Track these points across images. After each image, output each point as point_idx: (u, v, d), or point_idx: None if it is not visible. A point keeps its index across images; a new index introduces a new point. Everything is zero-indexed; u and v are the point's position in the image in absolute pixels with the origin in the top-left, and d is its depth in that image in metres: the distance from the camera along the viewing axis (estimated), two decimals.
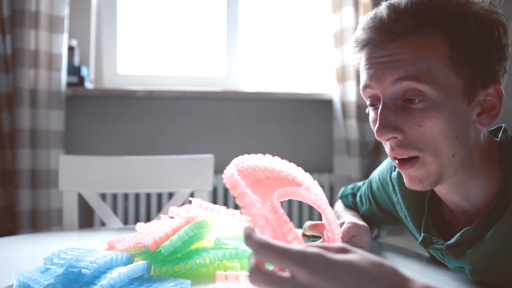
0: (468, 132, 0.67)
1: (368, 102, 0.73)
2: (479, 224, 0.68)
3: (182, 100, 2.23)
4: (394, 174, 0.87)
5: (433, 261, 0.85)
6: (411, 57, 0.65)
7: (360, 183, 1.08)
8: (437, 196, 0.79)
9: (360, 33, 0.70)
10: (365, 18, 0.71)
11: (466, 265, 0.71)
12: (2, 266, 0.83)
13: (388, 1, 0.69)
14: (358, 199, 1.04)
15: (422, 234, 0.78)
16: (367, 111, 0.80)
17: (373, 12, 0.70)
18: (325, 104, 2.29)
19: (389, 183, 0.90)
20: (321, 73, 2.36)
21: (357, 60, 0.74)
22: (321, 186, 2.18)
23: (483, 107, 0.68)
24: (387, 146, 0.71)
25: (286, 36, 2.38)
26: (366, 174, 2.19)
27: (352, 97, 2.15)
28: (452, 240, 0.72)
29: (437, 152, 0.66)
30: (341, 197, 1.11)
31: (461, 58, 0.65)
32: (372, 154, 2.21)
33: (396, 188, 0.86)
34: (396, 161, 0.70)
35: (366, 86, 0.70)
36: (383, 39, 0.67)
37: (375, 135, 0.68)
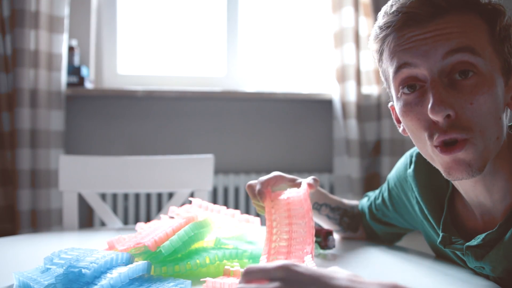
0: (504, 115, 0.67)
1: (400, 86, 0.67)
2: (501, 227, 0.68)
3: (182, 100, 2.23)
4: (410, 171, 0.85)
5: (436, 262, 0.85)
6: (460, 30, 0.63)
7: (371, 194, 1.04)
8: (456, 194, 0.78)
9: (396, 12, 0.66)
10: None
11: (486, 265, 0.71)
12: (2, 266, 0.83)
13: None
14: (373, 207, 0.99)
15: (441, 234, 0.77)
16: (389, 105, 0.77)
17: None
18: (325, 104, 2.29)
19: (406, 180, 0.88)
20: (321, 73, 2.36)
21: (379, 46, 0.71)
22: (321, 186, 2.19)
23: None
24: (434, 129, 0.64)
25: (286, 36, 2.38)
26: (366, 174, 2.19)
27: (352, 97, 2.15)
28: (474, 243, 0.71)
29: (484, 132, 0.63)
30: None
31: (499, 39, 0.66)
32: (372, 154, 2.21)
33: (413, 184, 0.84)
34: (438, 148, 0.65)
35: (404, 65, 0.66)
36: (427, 14, 0.64)
37: (430, 113, 0.62)
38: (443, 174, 0.68)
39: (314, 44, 2.38)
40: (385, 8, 0.69)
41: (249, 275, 0.47)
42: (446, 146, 0.64)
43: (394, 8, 0.67)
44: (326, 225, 1.00)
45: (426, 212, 0.81)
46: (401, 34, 0.66)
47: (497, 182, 0.69)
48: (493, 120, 0.64)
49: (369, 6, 2.16)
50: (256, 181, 0.89)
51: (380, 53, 0.71)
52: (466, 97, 0.63)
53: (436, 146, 0.65)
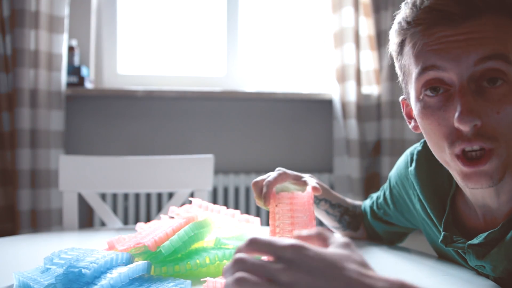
0: None
1: (423, 87, 0.64)
2: (504, 226, 0.67)
3: (182, 100, 2.23)
4: (411, 169, 0.84)
5: (438, 262, 0.84)
6: (494, 35, 0.60)
7: (374, 195, 1.04)
8: (458, 192, 0.77)
9: (427, 9, 0.62)
10: None
11: (487, 265, 0.70)
12: (2, 266, 0.83)
13: None
14: (375, 207, 1.00)
15: (443, 233, 0.76)
16: (400, 99, 0.75)
17: None
18: (325, 104, 2.29)
19: (407, 177, 0.87)
20: (321, 73, 2.36)
21: (396, 42, 0.68)
22: None
23: None
24: (455, 137, 0.62)
25: (286, 36, 2.38)
26: (366, 174, 2.19)
27: (352, 97, 2.15)
28: (475, 241, 0.70)
29: (508, 142, 0.62)
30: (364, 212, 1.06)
31: None
32: (372, 154, 2.21)
33: (414, 183, 0.83)
34: (460, 161, 0.63)
35: (432, 67, 0.62)
36: (463, 13, 0.60)
37: (457, 122, 0.60)
38: (459, 181, 0.67)
39: (314, 44, 2.37)
40: (414, 0, 0.65)
41: (254, 246, 0.43)
42: (468, 160, 0.63)
43: (426, 3, 0.63)
44: (325, 220, 1.00)
45: (428, 210, 0.81)
46: (431, 33, 0.63)
47: (506, 185, 0.68)
48: None
49: (369, 6, 2.16)
50: (261, 178, 0.88)
51: (401, 46, 0.69)
52: (493, 106, 0.61)
53: (457, 156, 0.64)
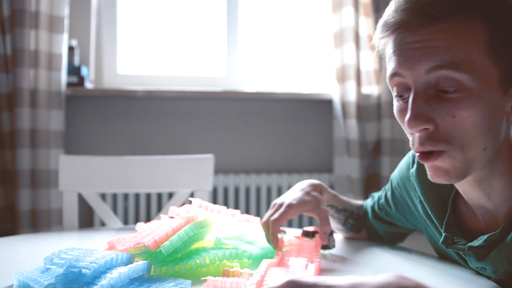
0: (501, 125, 0.65)
1: (394, 92, 0.68)
2: (504, 229, 0.67)
3: (182, 100, 2.23)
4: (413, 170, 0.84)
5: (438, 262, 0.84)
6: (448, 43, 0.61)
7: (375, 194, 1.04)
8: (459, 193, 0.78)
9: (391, 16, 0.65)
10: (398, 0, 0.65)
11: (488, 266, 0.70)
12: (2, 266, 0.83)
13: None
14: (376, 207, 1.00)
15: (444, 234, 0.76)
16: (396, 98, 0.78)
17: None
18: (325, 104, 2.29)
19: (409, 179, 0.88)
20: (321, 73, 2.36)
21: (382, 46, 0.70)
22: None
23: None
24: (414, 138, 0.66)
25: (286, 36, 2.38)
26: (366, 174, 2.19)
27: (352, 97, 2.15)
28: (476, 243, 0.71)
29: (466, 145, 0.63)
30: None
31: (500, 46, 0.62)
32: (372, 154, 2.21)
33: (415, 184, 0.83)
34: (418, 154, 0.67)
35: (394, 74, 0.66)
36: (418, 22, 0.62)
37: (406, 126, 0.64)
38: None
39: (314, 44, 2.37)
40: (389, 5, 0.67)
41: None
42: (424, 154, 0.66)
43: (390, 11, 0.65)
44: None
45: (429, 212, 0.81)
46: (396, 39, 0.65)
47: (496, 186, 0.69)
48: (478, 133, 0.63)
49: (369, 6, 2.15)
50: (270, 214, 0.87)
51: (385, 49, 0.71)
52: (448, 110, 0.62)
53: (417, 152, 0.67)
